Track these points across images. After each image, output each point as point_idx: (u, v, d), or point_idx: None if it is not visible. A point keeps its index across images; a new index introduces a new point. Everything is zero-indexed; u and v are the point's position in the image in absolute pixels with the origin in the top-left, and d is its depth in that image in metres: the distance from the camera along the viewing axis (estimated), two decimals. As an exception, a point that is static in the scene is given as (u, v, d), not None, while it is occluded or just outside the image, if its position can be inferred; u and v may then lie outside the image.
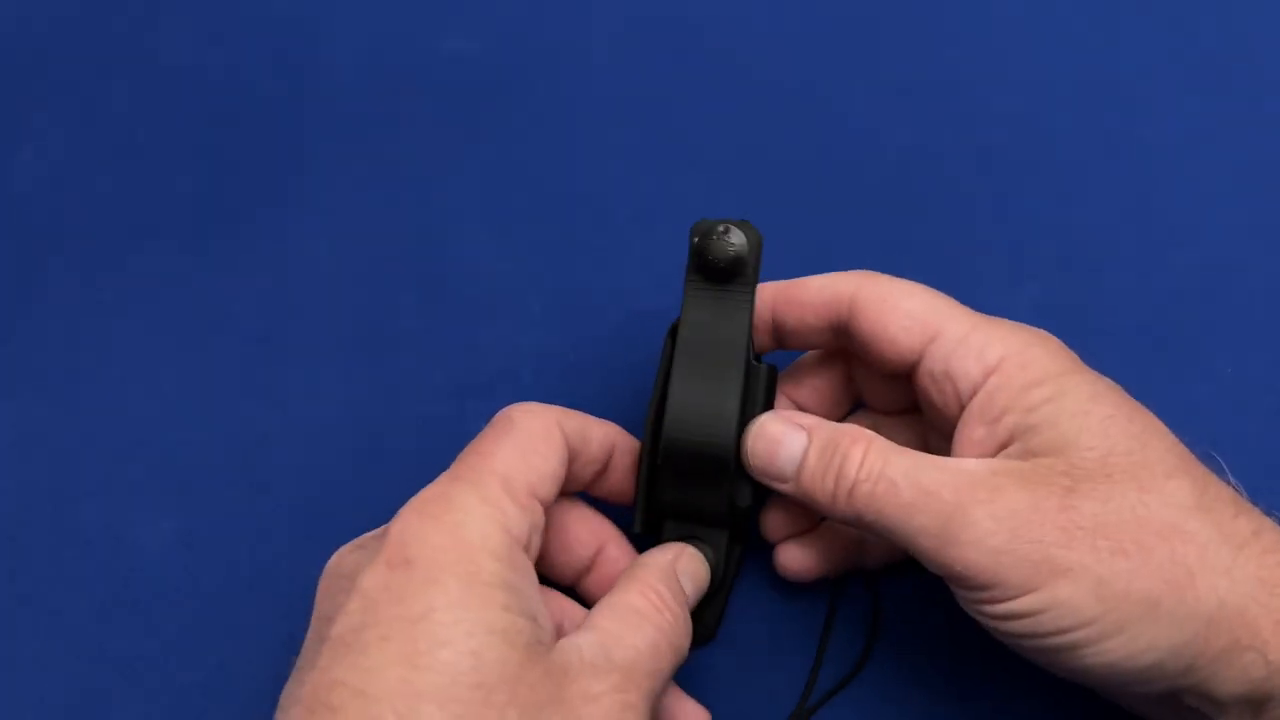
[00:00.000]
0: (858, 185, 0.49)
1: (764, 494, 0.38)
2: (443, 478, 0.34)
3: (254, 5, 0.53)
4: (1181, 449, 0.34)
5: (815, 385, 0.41)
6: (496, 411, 0.36)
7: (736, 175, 0.49)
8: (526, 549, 0.33)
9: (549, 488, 0.34)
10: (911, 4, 0.53)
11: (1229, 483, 0.34)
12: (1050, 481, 0.32)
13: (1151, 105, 0.51)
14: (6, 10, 0.53)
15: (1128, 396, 0.35)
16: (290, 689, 0.31)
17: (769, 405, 0.38)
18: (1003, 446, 0.34)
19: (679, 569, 0.36)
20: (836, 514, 0.35)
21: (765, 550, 0.41)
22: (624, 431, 0.39)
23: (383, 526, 0.33)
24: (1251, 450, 0.43)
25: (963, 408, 0.35)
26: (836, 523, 0.38)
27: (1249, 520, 0.33)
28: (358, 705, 0.29)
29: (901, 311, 0.36)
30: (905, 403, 0.39)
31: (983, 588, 0.32)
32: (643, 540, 0.39)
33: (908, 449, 0.34)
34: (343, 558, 0.34)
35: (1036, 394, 0.34)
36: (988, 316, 0.36)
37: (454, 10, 0.53)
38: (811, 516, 0.40)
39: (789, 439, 0.36)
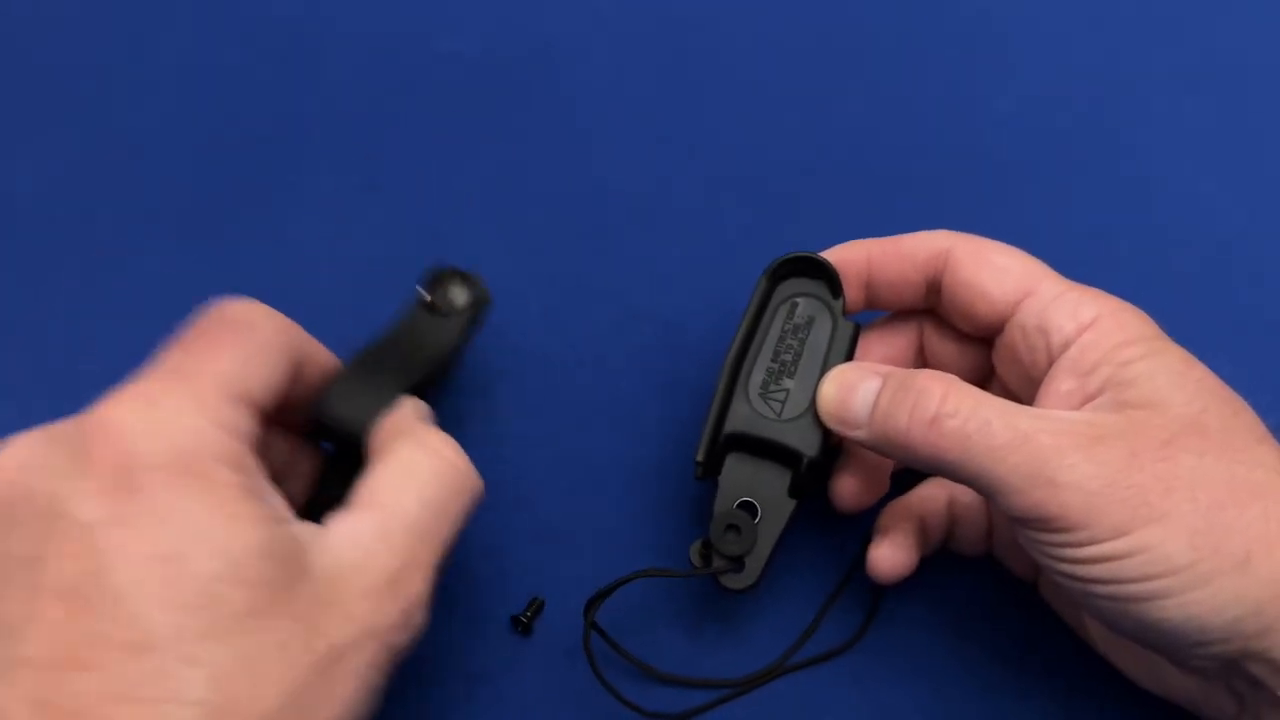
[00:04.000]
0: (857, 185, 0.49)
1: (831, 451, 0.38)
2: (149, 375, 0.31)
3: (253, 5, 0.53)
4: (1263, 424, 0.35)
5: (883, 355, 0.41)
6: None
7: (737, 175, 0.49)
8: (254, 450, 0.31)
9: (270, 404, 0.32)
10: (912, 4, 0.53)
11: None
12: (1147, 434, 0.33)
13: (1151, 105, 0.51)
14: (6, 10, 0.53)
15: (1212, 371, 0.35)
16: None
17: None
18: (1090, 399, 0.35)
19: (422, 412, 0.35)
20: (912, 451, 0.34)
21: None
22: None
23: (64, 424, 0.29)
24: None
25: (1051, 362, 0.36)
26: (907, 466, 0.38)
27: None
28: (124, 657, 0.26)
29: (997, 266, 0.37)
30: (973, 375, 0.40)
31: (1071, 529, 0.32)
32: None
33: (991, 394, 0.34)
34: (20, 475, 0.29)
35: (1131, 351, 0.35)
36: (1078, 283, 0.37)
37: (453, 10, 0.53)
38: (882, 483, 0.40)
39: (864, 383, 0.36)
